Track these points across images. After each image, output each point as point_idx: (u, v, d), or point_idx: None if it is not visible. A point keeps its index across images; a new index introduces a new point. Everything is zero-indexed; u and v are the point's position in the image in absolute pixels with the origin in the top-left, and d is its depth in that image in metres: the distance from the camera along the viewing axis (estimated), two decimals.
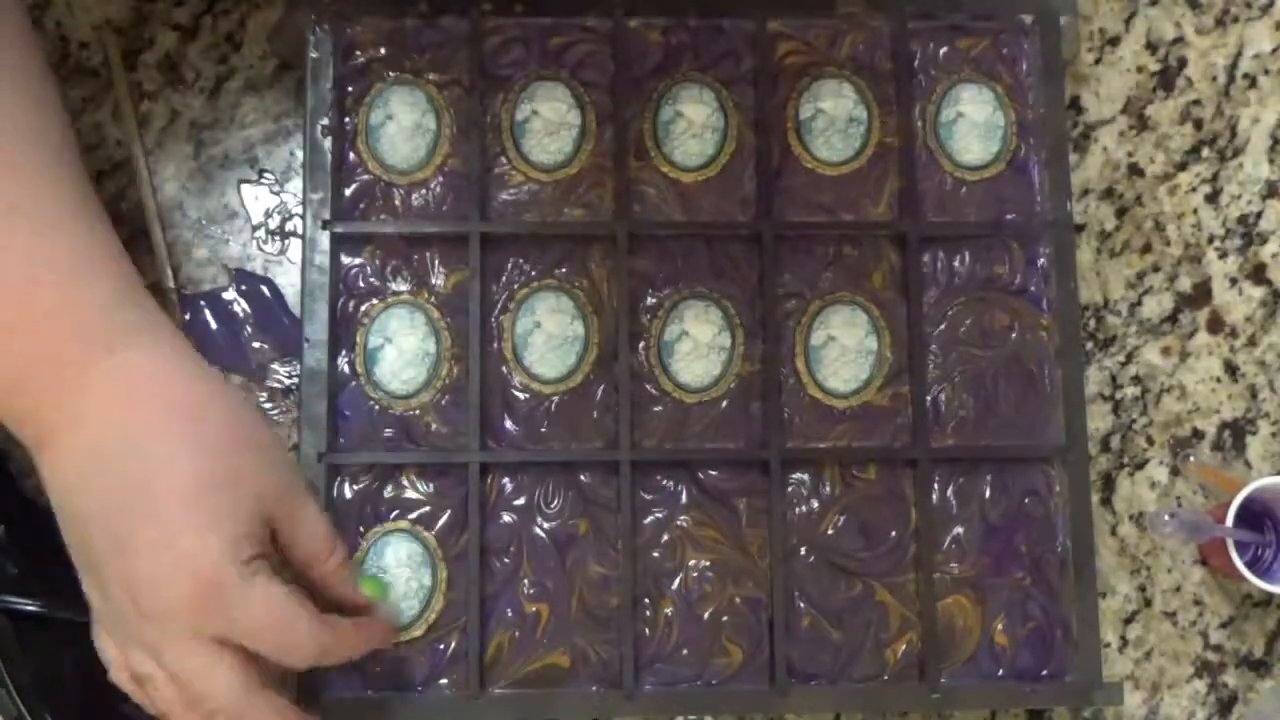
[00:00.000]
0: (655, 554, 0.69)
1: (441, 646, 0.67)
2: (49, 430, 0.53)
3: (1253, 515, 0.70)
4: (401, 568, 0.67)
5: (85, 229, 0.54)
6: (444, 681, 0.67)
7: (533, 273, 0.71)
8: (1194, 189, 0.76)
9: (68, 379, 0.52)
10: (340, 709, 0.65)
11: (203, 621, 0.51)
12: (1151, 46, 0.77)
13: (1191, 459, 0.74)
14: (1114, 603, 0.72)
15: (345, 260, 0.70)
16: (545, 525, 0.68)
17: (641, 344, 0.70)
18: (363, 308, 0.70)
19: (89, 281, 0.53)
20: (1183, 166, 0.76)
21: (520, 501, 0.68)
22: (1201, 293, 0.75)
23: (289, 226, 0.74)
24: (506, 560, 0.68)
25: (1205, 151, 0.76)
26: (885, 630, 0.68)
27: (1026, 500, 0.70)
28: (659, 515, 0.69)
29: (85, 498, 0.52)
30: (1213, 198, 0.76)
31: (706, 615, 0.68)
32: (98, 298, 0.53)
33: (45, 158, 0.54)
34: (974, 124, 0.73)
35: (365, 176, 0.71)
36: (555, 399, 0.69)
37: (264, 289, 0.73)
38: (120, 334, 0.53)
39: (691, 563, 0.69)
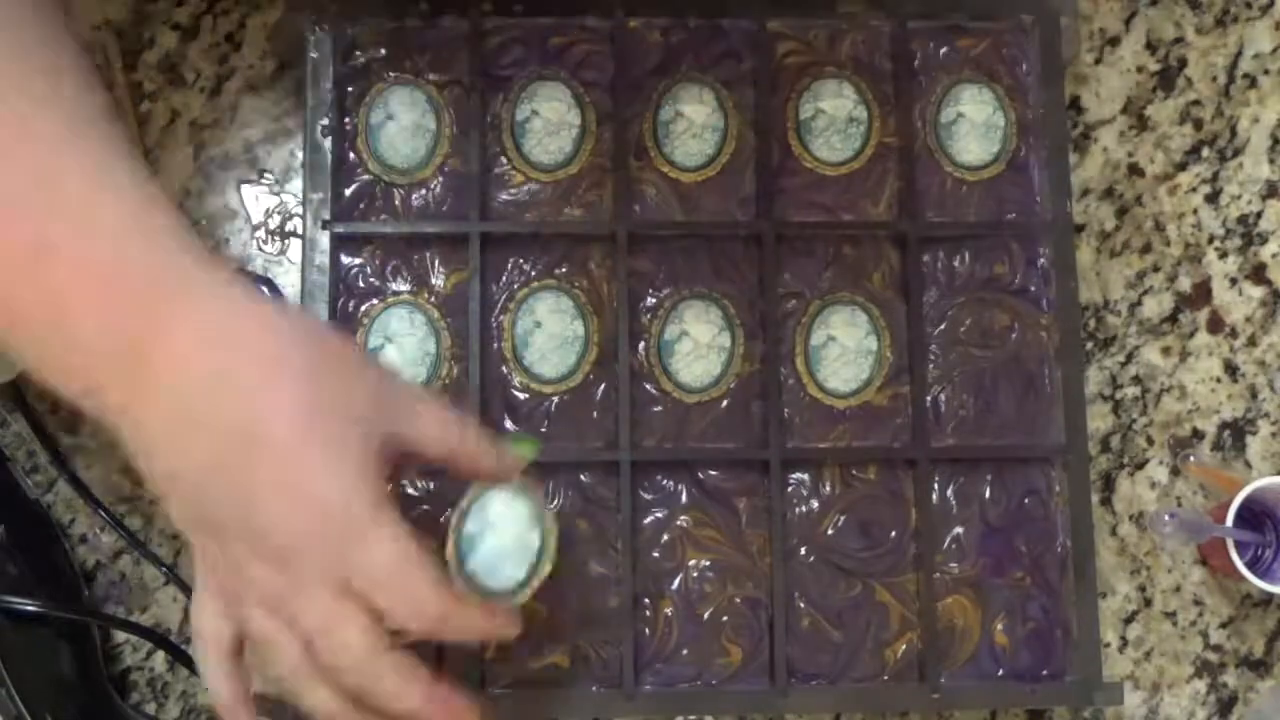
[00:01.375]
0: (655, 554, 0.69)
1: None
2: (132, 396, 0.49)
3: (1253, 515, 0.70)
4: None
5: (137, 182, 0.51)
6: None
7: (533, 273, 0.71)
8: (1194, 189, 0.76)
9: (146, 339, 0.49)
10: None
11: (332, 561, 0.48)
12: (1151, 46, 0.77)
13: (1191, 459, 0.73)
14: (1114, 603, 0.72)
15: (345, 260, 0.70)
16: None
17: (641, 344, 0.70)
18: (363, 308, 0.70)
19: (152, 236, 0.50)
20: (1183, 166, 0.76)
21: None
22: (1201, 293, 0.75)
23: (289, 226, 0.74)
24: None
25: (1205, 151, 0.76)
26: (885, 630, 0.68)
27: (1026, 500, 0.70)
28: (659, 515, 0.69)
29: (187, 455, 0.49)
30: (1213, 198, 0.76)
31: (706, 615, 0.68)
32: (161, 250, 0.50)
33: (87, 115, 0.51)
34: (974, 124, 0.73)
35: (365, 176, 0.71)
36: (555, 399, 0.69)
37: (264, 289, 0.73)
38: (189, 280, 0.50)
39: (691, 563, 0.69)
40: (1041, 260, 0.72)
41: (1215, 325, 0.75)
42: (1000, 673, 0.69)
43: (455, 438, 0.54)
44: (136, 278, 0.49)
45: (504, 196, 0.71)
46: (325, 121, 0.70)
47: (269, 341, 0.50)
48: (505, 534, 0.55)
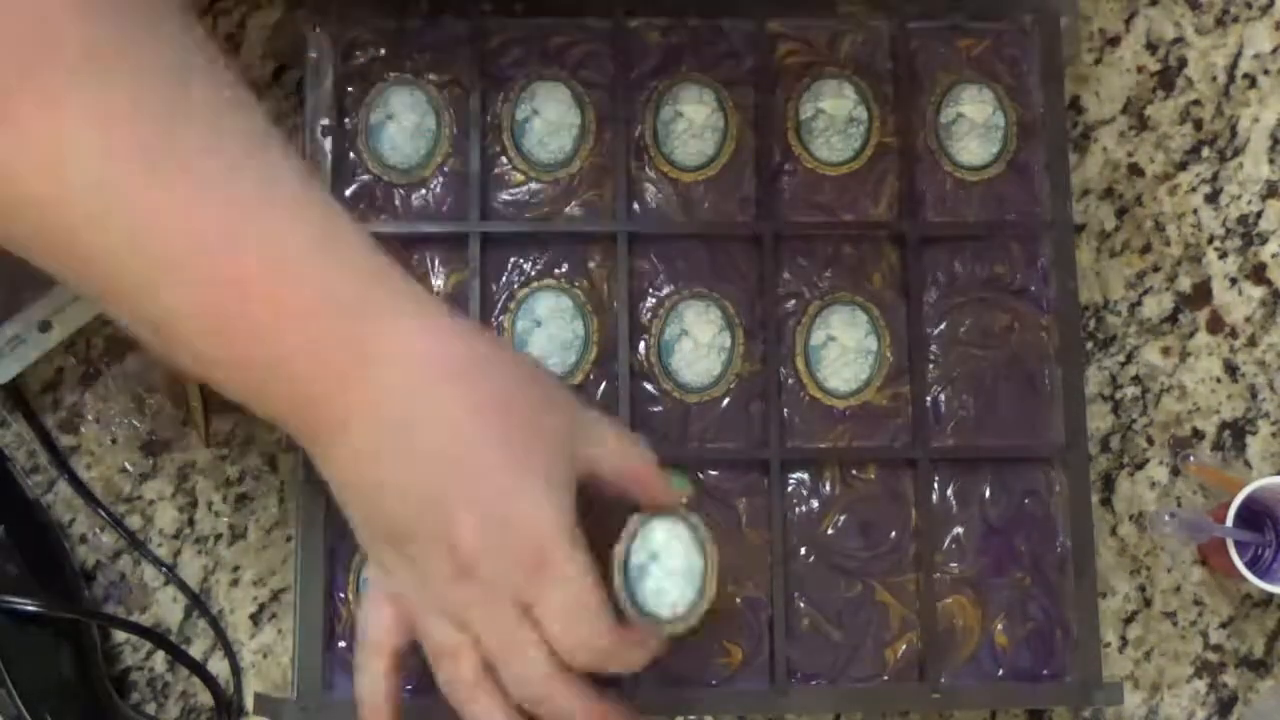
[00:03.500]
0: None
1: None
2: (336, 423, 0.50)
3: (1253, 515, 0.70)
4: None
5: (324, 206, 0.51)
6: None
7: (533, 273, 0.71)
8: (1194, 189, 0.76)
9: (351, 371, 0.50)
10: (343, 709, 0.65)
11: (520, 582, 0.50)
12: (1151, 46, 0.77)
13: (1191, 459, 0.74)
14: (1114, 603, 0.72)
15: None
16: None
17: (642, 344, 0.70)
18: None
19: (345, 265, 0.50)
20: (1183, 166, 0.76)
21: None
22: (1201, 293, 0.75)
23: None
24: None
25: (1205, 151, 0.76)
26: (885, 630, 0.68)
27: (1026, 500, 0.70)
28: None
29: (385, 467, 0.50)
30: (1213, 198, 0.76)
31: None
32: (355, 279, 0.51)
33: (271, 141, 0.51)
34: (974, 124, 0.73)
35: (365, 176, 0.71)
36: None
37: None
38: (387, 308, 0.51)
39: None
40: (1041, 260, 0.72)
41: (1215, 325, 0.75)
42: (1000, 673, 0.69)
43: (636, 458, 0.55)
44: (334, 313, 0.50)
45: (504, 196, 0.71)
46: (325, 121, 0.70)
47: (470, 367, 0.51)
48: (671, 563, 0.56)
